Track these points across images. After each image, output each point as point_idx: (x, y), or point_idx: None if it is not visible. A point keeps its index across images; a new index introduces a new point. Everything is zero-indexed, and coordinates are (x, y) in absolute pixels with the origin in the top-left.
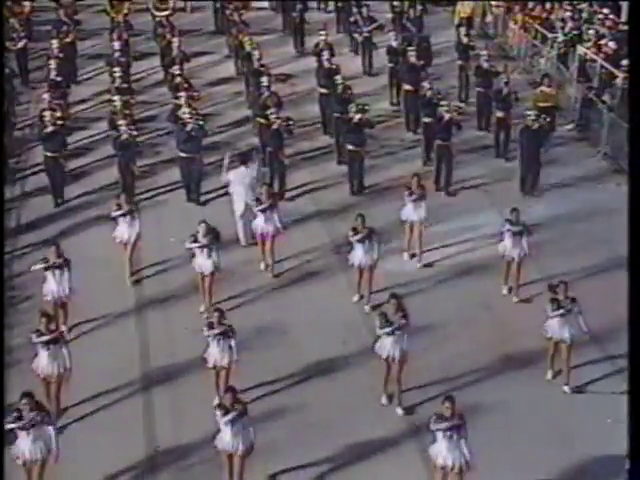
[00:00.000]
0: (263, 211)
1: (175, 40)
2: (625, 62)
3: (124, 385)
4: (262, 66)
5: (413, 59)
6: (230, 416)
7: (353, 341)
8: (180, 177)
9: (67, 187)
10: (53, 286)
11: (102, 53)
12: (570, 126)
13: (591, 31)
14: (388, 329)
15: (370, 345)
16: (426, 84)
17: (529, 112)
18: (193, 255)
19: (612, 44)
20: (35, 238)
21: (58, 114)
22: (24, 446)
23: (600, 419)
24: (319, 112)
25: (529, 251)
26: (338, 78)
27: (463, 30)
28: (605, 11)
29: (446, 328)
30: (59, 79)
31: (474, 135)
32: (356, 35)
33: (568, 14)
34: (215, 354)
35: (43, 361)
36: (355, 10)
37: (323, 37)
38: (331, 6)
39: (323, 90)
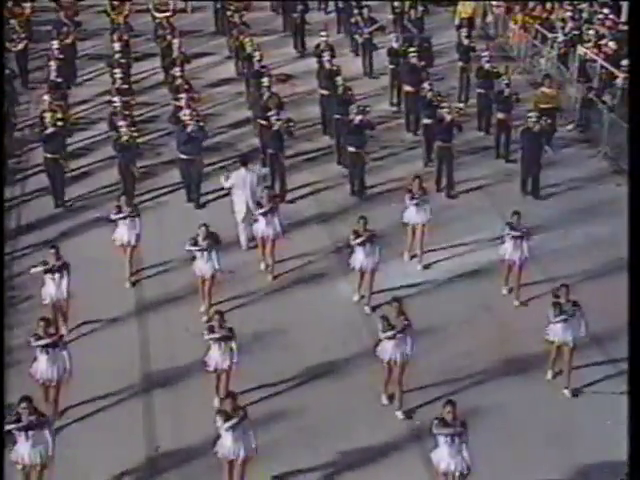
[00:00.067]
0: (264, 215)
1: (175, 41)
2: (625, 62)
3: (124, 387)
4: (263, 67)
5: (414, 60)
6: (231, 423)
7: (354, 343)
8: (180, 178)
9: (68, 188)
10: (52, 289)
11: (102, 54)
12: (570, 126)
13: (591, 31)
14: (390, 333)
15: (371, 347)
16: (426, 85)
17: (530, 114)
18: (193, 258)
19: (612, 44)
20: (35, 239)
21: (58, 115)
22: (23, 450)
23: (601, 421)
24: (320, 113)
25: (530, 254)
26: (339, 79)
27: (464, 31)
28: (605, 11)
29: (446, 330)
30: (59, 80)
31: (475, 136)
32: (357, 36)
33: (568, 14)
34: (216, 357)
35: (42, 365)
36: (356, 11)
37: (324, 38)
38: (331, 7)
39: (324, 91)
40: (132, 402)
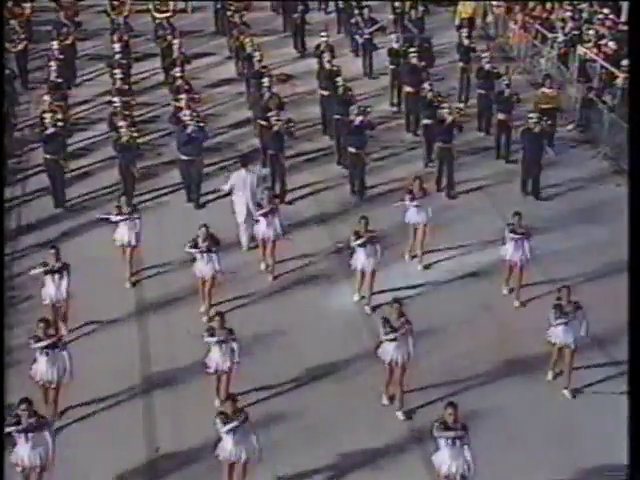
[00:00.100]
0: (264, 215)
1: (176, 41)
2: (625, 62)
3: (124, 388)
4: (263, 67)
5: (414, 60)
6: (229, 426)
7: (354, 344)
8: (180, 179)
9: (68, 188)
10: (51, 290)
11: (102, 54)
12: (570, 126)
13: (591, 31)
14: (392, 335)
15: (371, 348)
16: (427, 86)
17: (531, 114)
18: (194, 259)
19: (612, 44)
20: (36, 239)
21: (58, 116)
22: (23, 452)
23: (601, 422)
24: (320, 114)
25: (530, 255)
26: (339, 80)
27: (464, 31)
28: (605, 11)
29: (447, 330)
30: (59, 81)
31: (475, 137)
32: (357, 36)
33: (568, 14)
34: (217, 359)
35: (42, 366)
36: (356, 11)
37: (324, 39)
38: (331, 7)
39: (324, 92)
40: (132, 403)
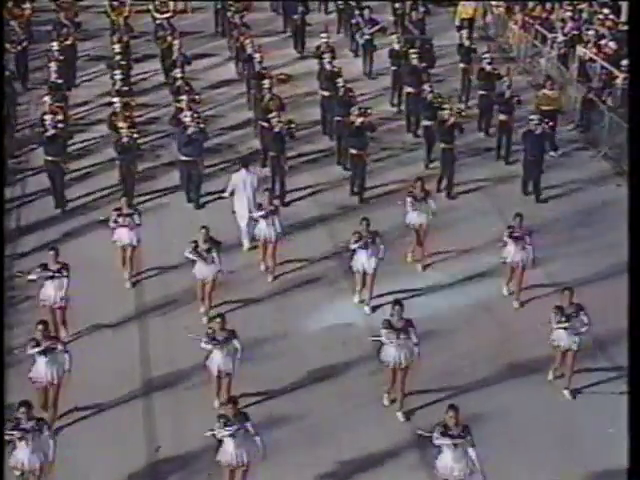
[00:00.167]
0: (265, 217)
1: (176, 42)
2: (625, 62)
3: (124, 390)
4: (264, 69)
5: (415, 61)
6: (228, 431)
7: (354, 345)
8: (179, 180)
9: (68, 189)
10: (50, 291)
11: (103, 55)
12: (570, 127)
13: (591, 31)
14: (393, 337)
15: (371, 349)
16: (427, 87)
17: (532, 116)
18: (194, 261)
19: (612, 44)
20: (35, 239)
21: (59, 117)
22: (22, 456)
23: (602, 424)
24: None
25: (532, 256)
26: (340, 81)
27: (465, 32)
28: (605, 11)
29: (447, 331)
30: (59, 82)
31: (476, 138)
32: (357, 37)
33: (568, 14)
34: (218, 361)
35: (41, 368)
36: (357, 12)
37: (324, 39)
38: (332, 7)
39: (325, 93)
40: (132, 404)
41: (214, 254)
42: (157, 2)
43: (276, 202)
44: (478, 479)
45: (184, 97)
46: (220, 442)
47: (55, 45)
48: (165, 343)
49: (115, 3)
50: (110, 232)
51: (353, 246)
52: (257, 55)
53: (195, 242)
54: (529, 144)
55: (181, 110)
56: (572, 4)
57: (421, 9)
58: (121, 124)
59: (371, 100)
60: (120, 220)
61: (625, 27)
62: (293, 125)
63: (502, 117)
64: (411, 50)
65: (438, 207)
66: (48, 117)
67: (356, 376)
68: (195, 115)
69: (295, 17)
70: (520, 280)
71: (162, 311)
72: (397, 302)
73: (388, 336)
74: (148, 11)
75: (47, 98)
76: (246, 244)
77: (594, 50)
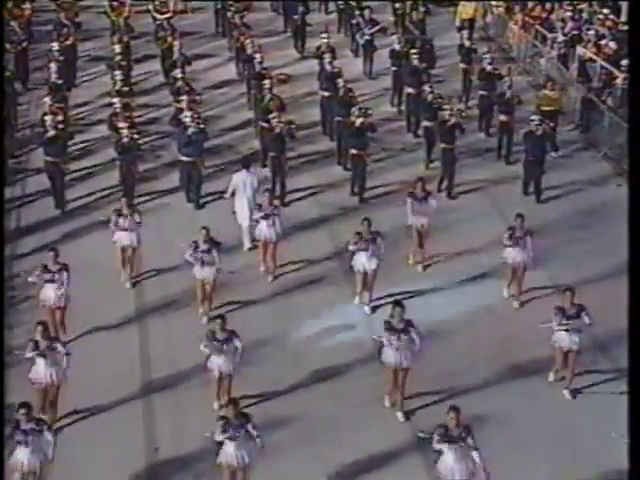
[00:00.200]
0: (265, 217)
1: (176, 43)
2: (625, 62)
3: (124, 391)
4: (264, 69)
5: (416, 62)
6: (227, 435)
7: (355, 346)
8: (179, 180)
9: (68, 190)
10: (50, 292)
11: (103, 56)
12: (570, 127)
13: (591, 31)
14: (394, 338)
15: (371, 350)
16: (427, 88)
17: (533, 117)
18: (193, 263)
19: (612, 44)
20: (36, 239)
21: (59, 118)
22: (22, 457)
23: (602, 424)
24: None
25: (533, 257)
26: (340, 81)
27: (465, 33)
28: (605, 11)
29: (447, 332)
30: (60, 82)
31: (476, 138)
32: (358, 37)
33: (568, 14)
34: (218, 362)
35: (40, 370)
36: (357, 12)
37: (325, 40)
38: (332, 7)
39: (325, 93)
40: (132, 406)
41: (214, 255)
42: (157, 2)
43: (276, 202)
44: None
45: (184, 97)
46: (221, 443)
47: (55, 45)
48: (165, 344)
49: (115, 3)
50: (110, 233)
51: (351, 248)
52: (257, 55)
53: (195, 243)
54: (530, 145)
55: (181, 110)
56: (572, 4)
57: (421, 9)
58: (121, 125)
59: (371, 100)
60: (120, 221)
61: (625, 27)
62: (293, 125)
63: (503, 118)
64: (412, 50)
65: (439, 208)
66: (48, 118)
67: (356, 377)
68: (195, 115)
69: (295, 17)
70: (521, 281)
71: (162, 312)
72: (398, 303)
73: (389, 337)
74: (148, 11)
75: (47, 99)
76: (247, 244)
77: (594, 50)
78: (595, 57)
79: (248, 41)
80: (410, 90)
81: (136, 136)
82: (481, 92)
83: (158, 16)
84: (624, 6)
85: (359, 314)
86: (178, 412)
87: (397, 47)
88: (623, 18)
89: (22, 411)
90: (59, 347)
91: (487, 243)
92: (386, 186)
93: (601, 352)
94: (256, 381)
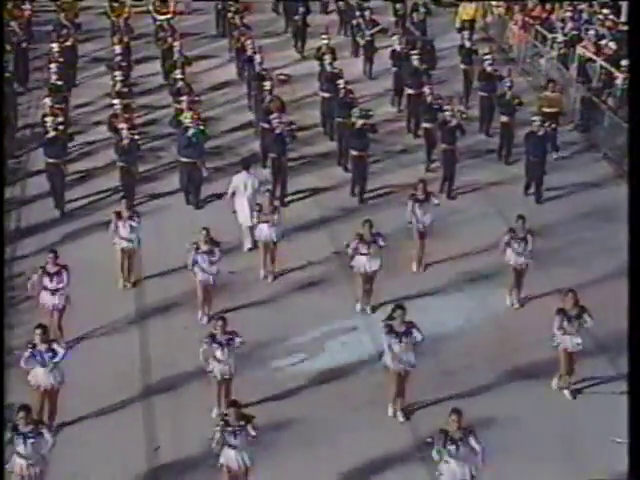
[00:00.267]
0: (265, 218)
1: (176, 43)
2: (625, 62)
3: (124, 392)
4: (264, 70)
5: (416, 63)
6: (234, 432)
7: (355, 347)
8: (179, 181)
9: (69, 191)
10: (49, 294)
11: (103, 57)
12: (570, 127)
13: (591, 31)
14: (396, 341)
15: (372, 351)
16: (427, 89)
17: (534, 117)
18: (194, 262)
19: (612, 44)
20: (36, 240)
21: (59, 119)
22: (21, 460)
23: (602, 424)
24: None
25: (533, 258)
26: (340, 82)
27: (466, 34)
28: (605, 11)
29: (448, 333)
30: (60, 83)
31: (477, 139)
32: (359, 38)
33: (568, 14)
34: (219, 364)
35: (39, 373)
36: (357, 13)
37: (325, 41)
38: (332, 7)
39: (325, 94)
40: (132, 407)
41: (215, 256)
42: (157, 2)
43: (277, 203)
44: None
45: (184, 98)
46: (222, 445)
47: (55, 46)
48: (165, 345)
49: (115, 4)
50: (110, 234)
51: (351, 250)
52: (257, 56)
53: (196, 244)
54: (531, 145)
55: (181, 111)
56: (572, 4)
57: (422, 10)
58: (121, 126)
59: (372, 101)
60: (120, 223)
61: (625, 27)
62: (294, 126)
63: (503, 118)
64: (412, 51)
65: (439, 210)
66: (49, 119)
67: (357, 378)
68: (195, 117)
69: (296, 18)
70: (521, 281)
71: (162, 313)
72: (399, 306)
73: (390, 340)
74: (148, 12)
75: (48, 100)
76: (247, 245)
77: (594, 50)
78: (595, 57)
79: (248, 42)
80: (410, 91)
81: (136, 137)
82: (481, 93)
83: (158, 16)
84: (624, 6)
85: (359, 315)
86: (178, 414)
87: (398, 48)
88: (623, 18)
89: (21, 414)
90: (58, 348)
91: (487, 244)
92: (386, 187)
93: (601, 352)
94: (256, 382)
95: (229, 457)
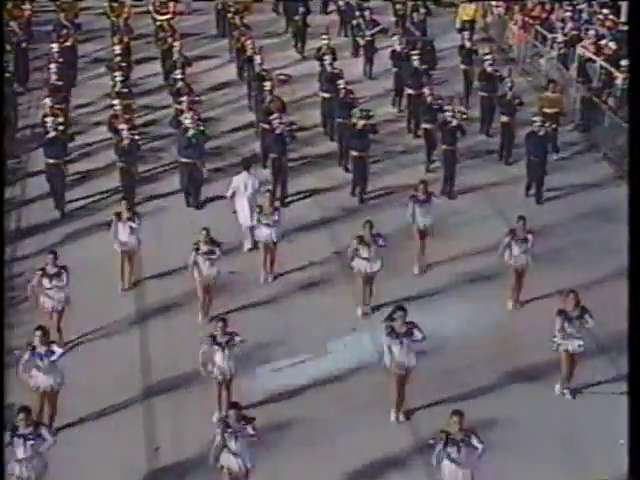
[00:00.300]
0: (265, 219)
1: (176, 44)
2: (625, 62)
3: (125, 394)
4: (264, 70)
5: (416, 63)
6: (235, 434)
7: (356, 348)
8: (179, 182)
9: (69, 192)
10: (49, 295)
11: (103, 57)
12: (570, 127)
13: (591, 31)
14: (396, 342)
15: (372, 352)
16: (426, 90)
17: (535, 118)
18: (195, 263)
19: (612, 44)
20: (36, 241)
21: (60, 119)
22: (21, 461)
23: (602, 424)
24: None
25: (534, 259)
26: (340, 82)
27: (466, 34)
28: (605, 11)
29: (448, 334)
30: (60, 83)
31: (477, 140)
32: (359, 38)
33: (568, 14)
34: (219, 363)
35: (39, 375)
36: (358, 13)
37: (325, 41)
38: (332, 7)
39: (325, 94)
40: (132, 409)
41: (215, 256)
42: (157, 3)
43: (277, 204)
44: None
45: (184, 99)
46: (223, 447)
47: (55, 46)
48: (165, 346)
49: (115, 4)
50: (110, 235)
51: (350, 251)
52: (258, 57)
53: (196, 244)
54: (532, 145)
55: (181, 112)
56: (572, 4)
57: (422, 10)
58: (121, 126)
59: (372, 102)
60: (120, 224)
61: (625, 27)
62: (294, 126)
63: (504, 119)
64: (412, 52)
65: (440, 211)
66: (49, 119)
67: (357, 379)
68: (195, 117)
69: (296, 18)
70: (521, 282)
71: (162, 314)
72: (400, 307)
73: (390, 341)
74: (148, 12)
75: (48, 100)
76: (247, 245)
77: (594, 50)
78: (595, 57)
79: (249, 42)
80: (410, 91)
81: (136, 138)
82: (482, 93)
83: (158, 17)
84: (624, 6)
85: (360, 316)
86: (178, 415)
87: (398, 48)
88: (623, 18)
89: (21, 416)
90: (57, 350)
91: (488, 245)
92: (387, 188)
93: (601, 353)
94: (256, 383)
95: (229, 459)
